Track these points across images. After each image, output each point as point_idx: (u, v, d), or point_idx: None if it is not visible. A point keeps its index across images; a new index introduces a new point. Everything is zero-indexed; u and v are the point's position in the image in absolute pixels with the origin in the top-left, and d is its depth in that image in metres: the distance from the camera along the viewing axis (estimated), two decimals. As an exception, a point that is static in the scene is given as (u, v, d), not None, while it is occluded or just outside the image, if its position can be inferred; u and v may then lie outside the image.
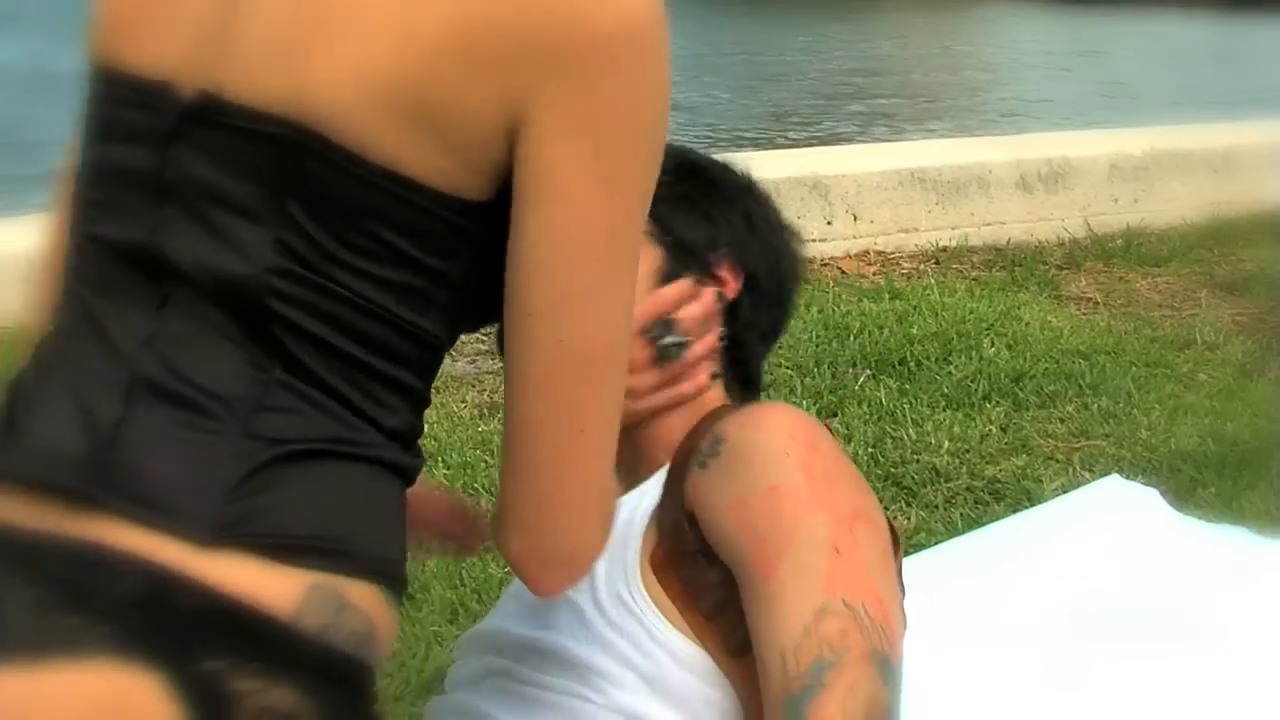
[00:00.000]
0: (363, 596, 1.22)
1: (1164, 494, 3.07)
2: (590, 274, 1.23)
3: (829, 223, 5.52)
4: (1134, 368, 4.21)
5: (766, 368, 3.96)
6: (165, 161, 1.22)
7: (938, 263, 5.45)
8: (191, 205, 1.21)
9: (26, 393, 1.26)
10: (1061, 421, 3.78)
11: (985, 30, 19.45)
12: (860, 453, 3.47)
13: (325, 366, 1.21)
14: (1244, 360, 4.35)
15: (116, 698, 1.09)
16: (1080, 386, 4.01)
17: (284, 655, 1.16)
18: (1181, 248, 5.70)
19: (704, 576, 1.47)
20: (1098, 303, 5.02)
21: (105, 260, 1.26)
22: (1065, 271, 5.38)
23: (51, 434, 1.21)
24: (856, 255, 5.47)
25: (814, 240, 5.46)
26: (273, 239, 1.18)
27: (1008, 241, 5.72)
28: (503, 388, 1.31)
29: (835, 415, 3.74)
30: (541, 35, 1.17)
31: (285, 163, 1.18)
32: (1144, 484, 3.16)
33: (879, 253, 5.53)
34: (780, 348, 4.23)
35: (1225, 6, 23.73)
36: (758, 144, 8.84)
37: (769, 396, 3.82)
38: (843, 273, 5.25)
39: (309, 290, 1.19)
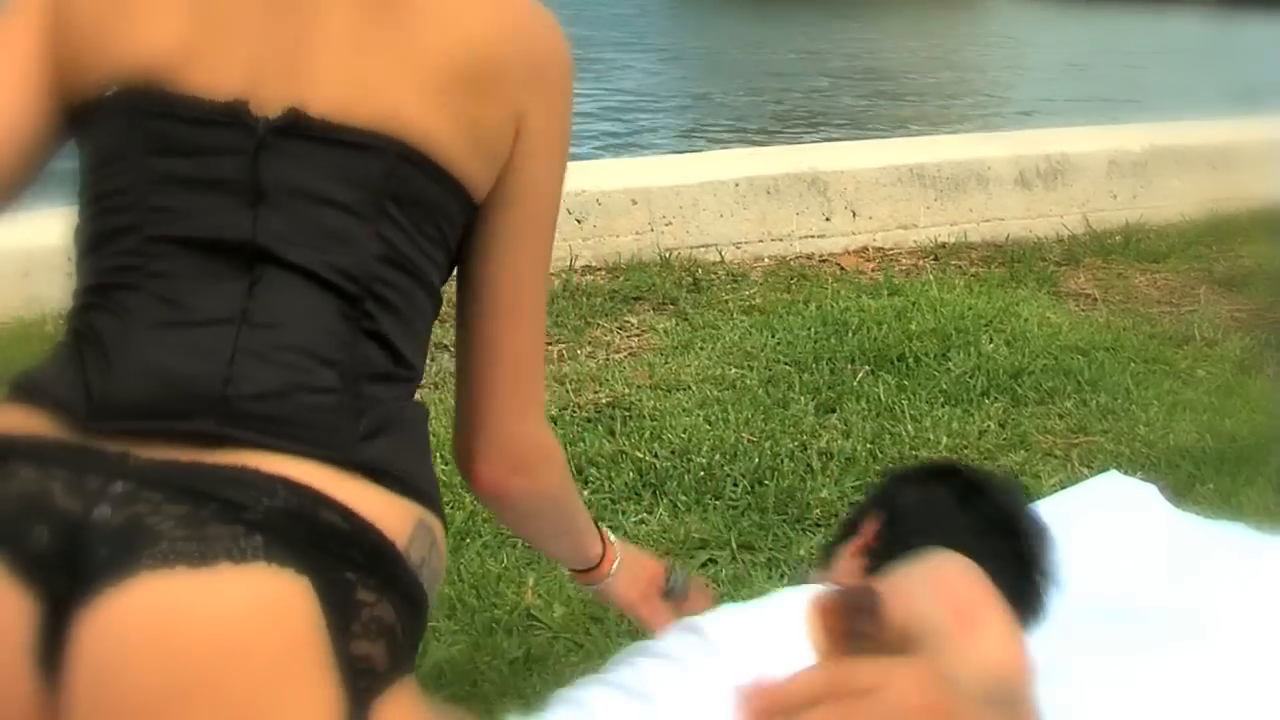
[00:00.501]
0: (441, 538, 1.47)
1: (1162, 490, 3.09)
2: (546, 239, 1.62)
3: (828, 219, 5.52)
4: (1132, 364, 4.22)
5: (766, 364, 3.97)
6: (258, 169, 1.41)
7: (936, 259, 5.46)
8: (288, 204, 1.41)
9: (99, 365, 1.38)
10: (1060, 417, 3.78)
11: (985, 29, 19.46)
12: (859, 448, 3.47)
13: (399, 335, 1.46)
14: (1242, 356, 4.36)
15: (273, 598, 1.27)
16: (1079, 382, 4.01)
17: (394, 578, 1.36)
18: (1180, 244, 5.71)
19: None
20: (1096, 299, 5.02)
21: (185, 255, 1.41)
22: (1064, 268, 5.39)
23: (153, 392, 1.35)
24: (855, 251, 5.48)
25: (812, 236, 5.47)
26: (375, 232, 1.43)
27: (1007, 238, 5.73)
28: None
29: (834, 411, 3.74)
30: (532, 68, 1.52)
31: (385, 169, 1.43)
32: (1142, 480, 3.17)
33: (878, 249, 5.54)
34: (778, 344, 4.26)
35: (1225, 3, 23.74)
36: (759, 141, 8.84)
37: (768, 392, 3.84)
38: (841, 269, 5.25)
39: (399, 273, 1.45)
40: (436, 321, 1.58)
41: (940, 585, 1.71)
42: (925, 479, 2.06)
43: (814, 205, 5.51)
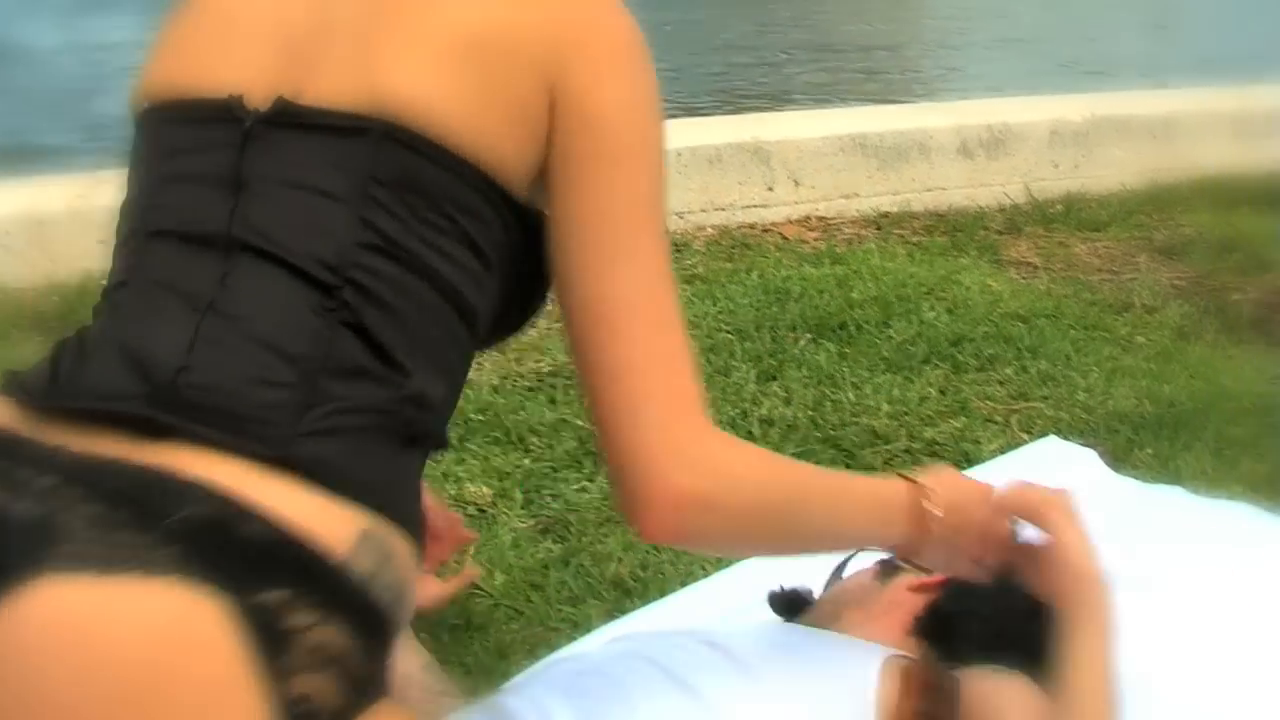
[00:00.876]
0: (401, 552, 1.32)
1: (1102, 455, 3.11)
2: (634, 230, 1.43)
3: (770, 188, 5.52)
4: (1072, 331, 4.23)
5: (707, 332, 3.96)
6: (242, 160, 1.39)
7: (879, 228, 5.45)
8: (268, 193, 1.37)
9: (73, 355, 1.37)
10: (1000, 384, 3.79)
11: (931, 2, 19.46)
12: (800, 415, 3.47)
13: (385, 330, 1.35)
14: (1181, 323, 4.37)
15: (182, 620, 1.14)
16: (1019, 349, 4.02)
17: (336, 594, 1.23)
18: (1121, 213, 5.72)
19: None
20: (1037, 267, 5.02)
21: (169, 249, 1.40)
22: (1005, 236, 5.39)
23: (109, 377, 1.31)
24: (798, 221, 5.47)
25: (755, 206, 5.47)
26: (357, 217, 1.35)
27: (949, 207, 5.73)
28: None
29: (775, 379, 3.74)
30: (570, 39, 1.43)
31: (369, 151, 1.36)
32: (1082, 445, 3.20)
33: (820, 218, 5.53)
34: (720, 312, 4.25)
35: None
36: (706, 112, 8.81)
37: (709, 360, 3.83)
38: (784, 238, 5.25)
39: (388, 261, 1.35)
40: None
41: (1018, 706, 1.70)
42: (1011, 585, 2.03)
43: (757, 175, 5.50)
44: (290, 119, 1.39)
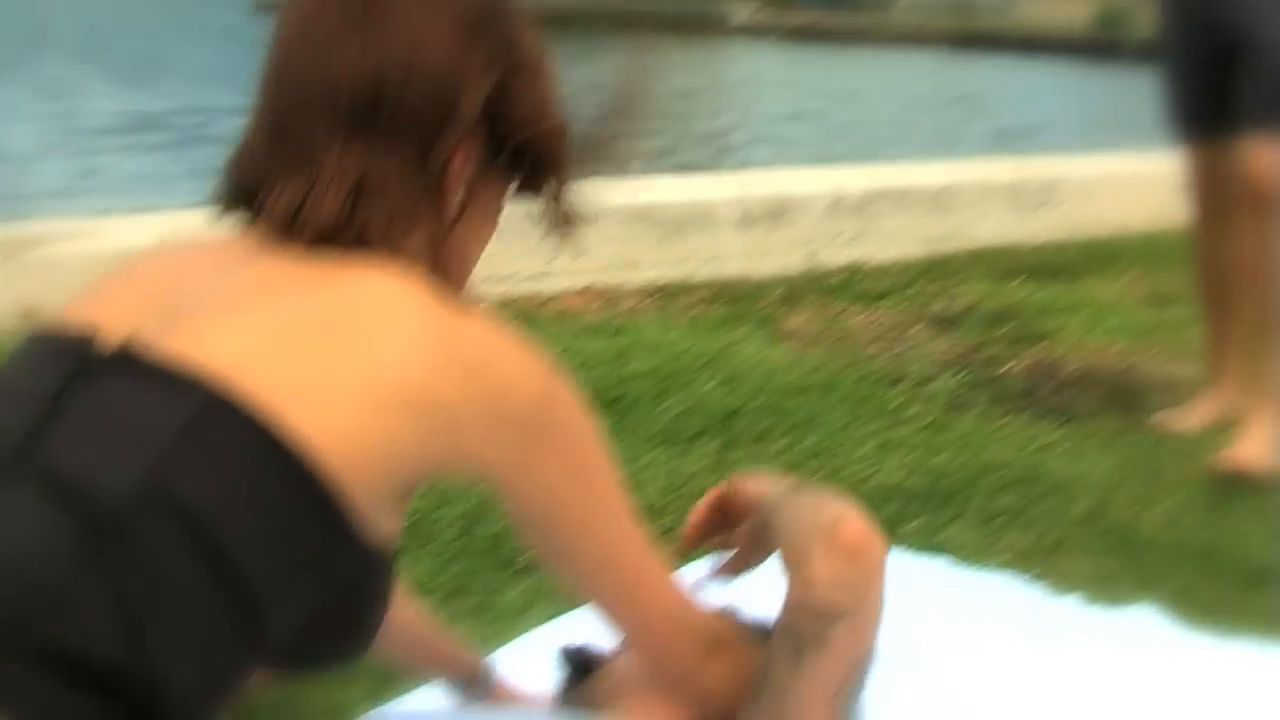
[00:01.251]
0: None
1: (870, 527, 3.12)
2: (596, 543, 1.63)
3: (552, 259, 5.50)
4: (846, 403, 4.26)
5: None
6: (64, 389, 1.34)
7: (660, 299, 5.48)
8: (74, 424, 1.32)
9: None
10: (773, 457, 3.79)
11: (722, 68, 19.73)
12: (572, 491, 3.44)
13: (141, 598, 1.24)
14: (953, 394, 4.44)
15: None
16: (793, 422, 4.04)
17: None
18: (900, 283, 5.82)
19: None
20: (815, 338, 5.07)
21: None
22: (784, 308, 5.44)
23: None
24: (579, 291, 5.47)
25: (535, 276, 5.44)
26: (153, 472, 1.26)
27: (730, 278, 5.77)
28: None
29: (548, 454, 3.71)
30: (480, 406, 1.43)
31: (191, 413, 1.29)
32: (851, 517, 3.20)
33: (602, 289, 5.53)
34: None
35: (954, 45, 24.39)
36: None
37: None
38: (564, 310, 5.24)
39: (172, 525, 1.26)
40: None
41: None
42: None
43: (539, 245, 5.46)
44: (127, 362, 1.35)
